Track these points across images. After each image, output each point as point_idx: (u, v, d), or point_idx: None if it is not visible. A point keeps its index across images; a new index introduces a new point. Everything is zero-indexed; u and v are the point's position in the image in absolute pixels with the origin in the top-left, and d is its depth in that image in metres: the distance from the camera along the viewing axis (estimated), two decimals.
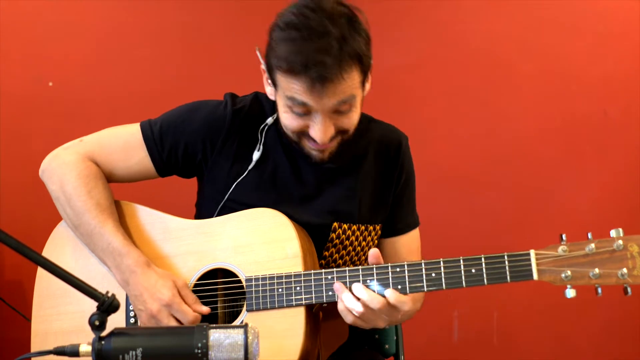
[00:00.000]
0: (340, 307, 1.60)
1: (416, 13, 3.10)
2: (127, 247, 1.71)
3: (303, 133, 1.68)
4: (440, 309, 3.01)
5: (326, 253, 1.80)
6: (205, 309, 1.68)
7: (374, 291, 1.58)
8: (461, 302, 3.04)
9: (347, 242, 1.81)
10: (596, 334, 3.09)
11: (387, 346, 2.07)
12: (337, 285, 1.60)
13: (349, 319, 1.59)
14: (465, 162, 3.08)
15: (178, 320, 1.66)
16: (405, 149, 1.88)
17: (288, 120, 1.68)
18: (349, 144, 1.77)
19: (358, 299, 1.57)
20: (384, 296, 1.57)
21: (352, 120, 1.69)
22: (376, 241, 1.88)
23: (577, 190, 3.05)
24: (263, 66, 1.71)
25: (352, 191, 1.81)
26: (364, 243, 1.84)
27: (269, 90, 1.74)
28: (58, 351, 1.22)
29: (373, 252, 1.61)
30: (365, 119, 1.87)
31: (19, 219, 2.83)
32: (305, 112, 1.64)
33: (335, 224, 1.79)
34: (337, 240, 1.80)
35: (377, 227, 1.86)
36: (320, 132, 1.64)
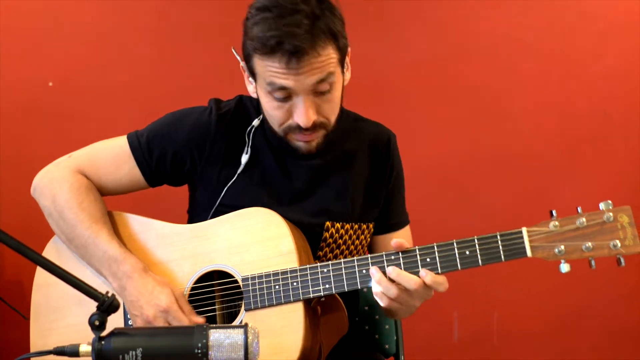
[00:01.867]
0: (375, 290, 1.59)
1: (416, 12, 3.10)
2: (124, 254, 1.71)
3: (289, 128, 1.69)
4: (440, 309, 3.01)
5: (320, 253, 1.80)
6: (201, 320, 1.68)
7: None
8: (461, 302, 3.04)
9: (340, 241, 1.81)
10: (596, 334, 3.09)
11: (387, 346, 2.07)
12: (373, 270, 1.59)
13: (384, 301, 1.59)
14: (464, 161, 3.08)
15: None
16: (394, 146, 1.90)
17: (272, 109, 1.68)
18: (338, 141, 1.78)
19: (393, 282, 1.57)
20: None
21: (332, 103, 1.69)
22: (369, 239, 1.89)
23: (577, 190, 3.05)
24: (242, 64, 1.72)
25: (344, 190, 1.82)
26: (357, 242, 1.84)
27: (250, 89, 1.76)
28: (58, 351, 1.22)
29: (397, 242, 1.61)
30: (351, 118, 1.88)
31: (19, 219, 2.83)
32: (286, 96, 1.64)
33: (328, 223, 1.79)
34: (330, 240, 1.80)
35: (370, 225, 1.87)
36: (303, 114, 1.64)
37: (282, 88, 1.62)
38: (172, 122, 1.83)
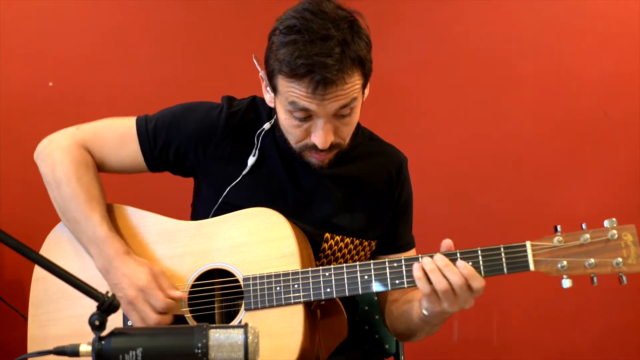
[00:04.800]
0: (419, 275, 1.55)
1: (416, 13, 3.10)
2: (111, 237, 1.72)
3: (306, 146, 1.69)
4: None
5: (317, 263, 1.80)
6: (179, 294, 1.68)
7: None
8: None
9: (338, 254, 1.81)
10: (596, 334, 3.09)
11: (387, 346, 2.08)
12: (426, 259, 1.55)
13: (426, 289, 1.55)
14: (464, 162, 3.08)
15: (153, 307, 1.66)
16: (405, 170, 1.90)
17: (290, 127, 1.68)
18: (349, 156, 1.79)
19: (443, 275, 1.54)
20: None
21: (350, 126, 1.70)
22: (369, 256, 1.89)
23: (577, 191, 3.05)
24: (261, 73, 1.71)
25: (348, 205, 1.82)
26: (356, 257, 1.84)
27: (267, 98, 1.75)
28: (58, 351, 1.22)
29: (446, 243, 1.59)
30: (367, 136, 1.88)
31: (19, 219, 2.83)
32: (306, 116, 1.64)
33: (328, 235, 1.80)
34: (328, 251, 1.80)
35: (373, 243, 1.86)
36: (321, 137, 1.64)
37: (304, 110, 1.62)
38: (181, 114, 1.84)
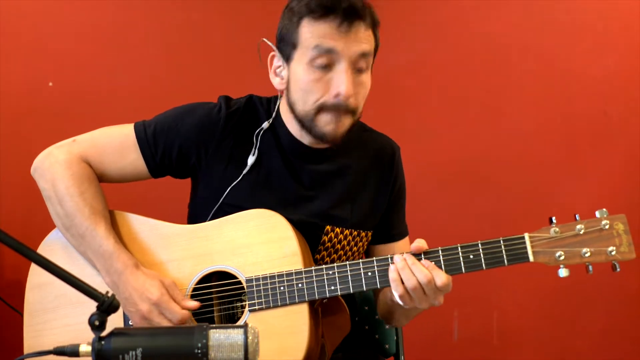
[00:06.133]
0: (393, 276, 1.59)
1: (416, 13, 3.10)
2: (118, 250, 1.71)
3: (324, 105, 1.68)
4: (440, 309, 2.99)
5: (317, 256, 1.81)
6: (194, 304, 1.68)
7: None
8: (461, 302, 3.04)
9: (338, 246, 1.82)
10: (596, 334, 3.09)
11: (387, 346, 2.08)
12: (397, 257, 1.60)
13: (399, 290, 1.59)
14: (464, 161, 3.08)
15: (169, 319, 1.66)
16: (398, 158, 1.92)
17: (309, 83, 1.68)
18: (345, 149, 1.80)
19: (414, 274, 1.58)
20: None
21: (364, 89, 1.72)
22: (366, 246, 1.90)
23: (577, 190, 3.05)
24: (274, 51, 1.74)
25: (347, 197, 1.83)
26: (355, 248, 1.85)
27: (277, 82, 1.76)
28: (58, 351, 1.22)
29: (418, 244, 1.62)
30: (358, 128, 1.88)
31: (18, 219, 2.83)
32: (328, 63, 1.66)
33: (328, 227, 1.80)
34: (328, 244, 1.81)
35: (369, 234, 1.88)
36: (344, 81, 1.65)
37: (329, 52, 1.64)
38: (180, 115, 1.83)
